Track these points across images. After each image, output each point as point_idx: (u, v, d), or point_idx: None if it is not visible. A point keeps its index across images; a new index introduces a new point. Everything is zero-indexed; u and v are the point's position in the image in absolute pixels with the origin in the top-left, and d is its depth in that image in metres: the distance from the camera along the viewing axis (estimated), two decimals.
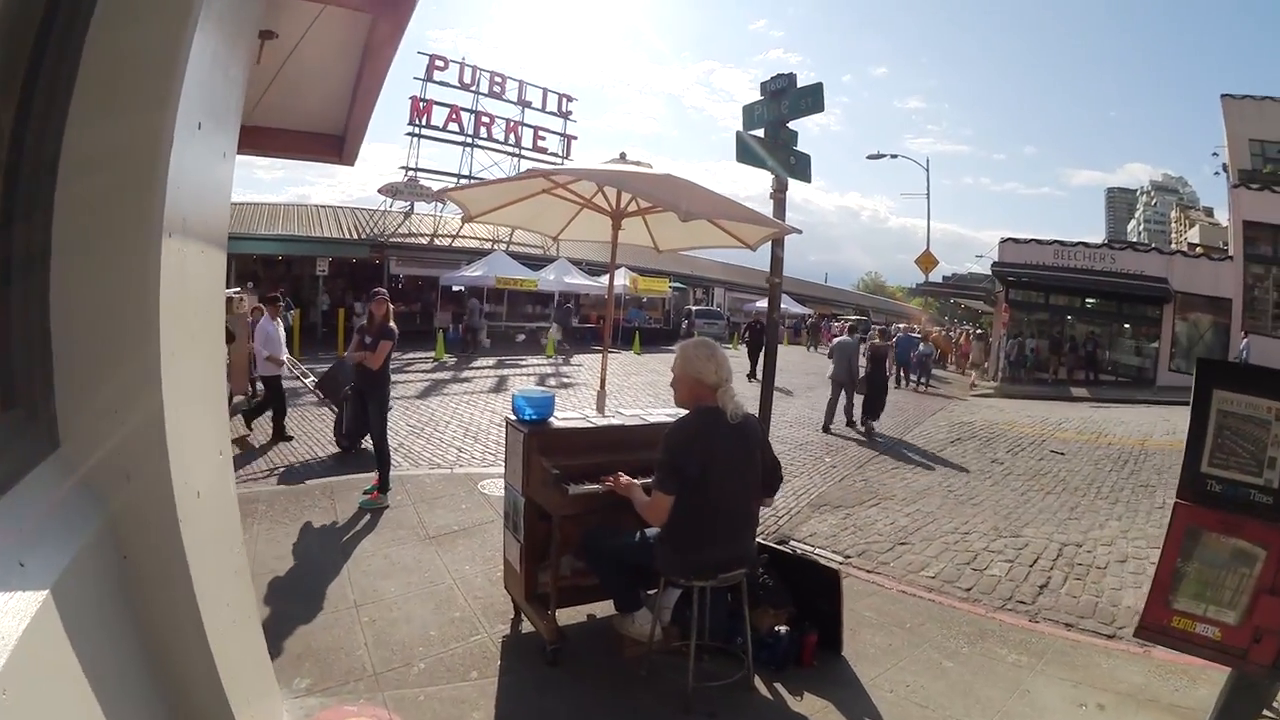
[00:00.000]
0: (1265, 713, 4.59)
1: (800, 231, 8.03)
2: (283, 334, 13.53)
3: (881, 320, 71.01)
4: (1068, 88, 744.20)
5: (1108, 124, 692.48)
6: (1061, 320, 39.87)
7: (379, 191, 42.24)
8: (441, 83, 43.16)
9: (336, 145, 6.90)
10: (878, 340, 20.52)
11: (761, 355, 19.00)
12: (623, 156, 6.89)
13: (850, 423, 18.39)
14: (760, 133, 9.44)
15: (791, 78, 9.45)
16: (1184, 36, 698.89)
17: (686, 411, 4.88)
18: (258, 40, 4.52)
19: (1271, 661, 4.05)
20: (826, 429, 17.52)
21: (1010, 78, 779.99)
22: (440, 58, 43.10)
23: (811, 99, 9.27)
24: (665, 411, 6.59)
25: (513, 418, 5.92)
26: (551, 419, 5.90)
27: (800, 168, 9.45)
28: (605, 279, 38.76)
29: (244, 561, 2.99)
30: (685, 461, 4.58)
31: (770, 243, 8.46)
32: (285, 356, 13.50)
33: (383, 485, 9.19)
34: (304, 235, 36.87)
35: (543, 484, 5.28)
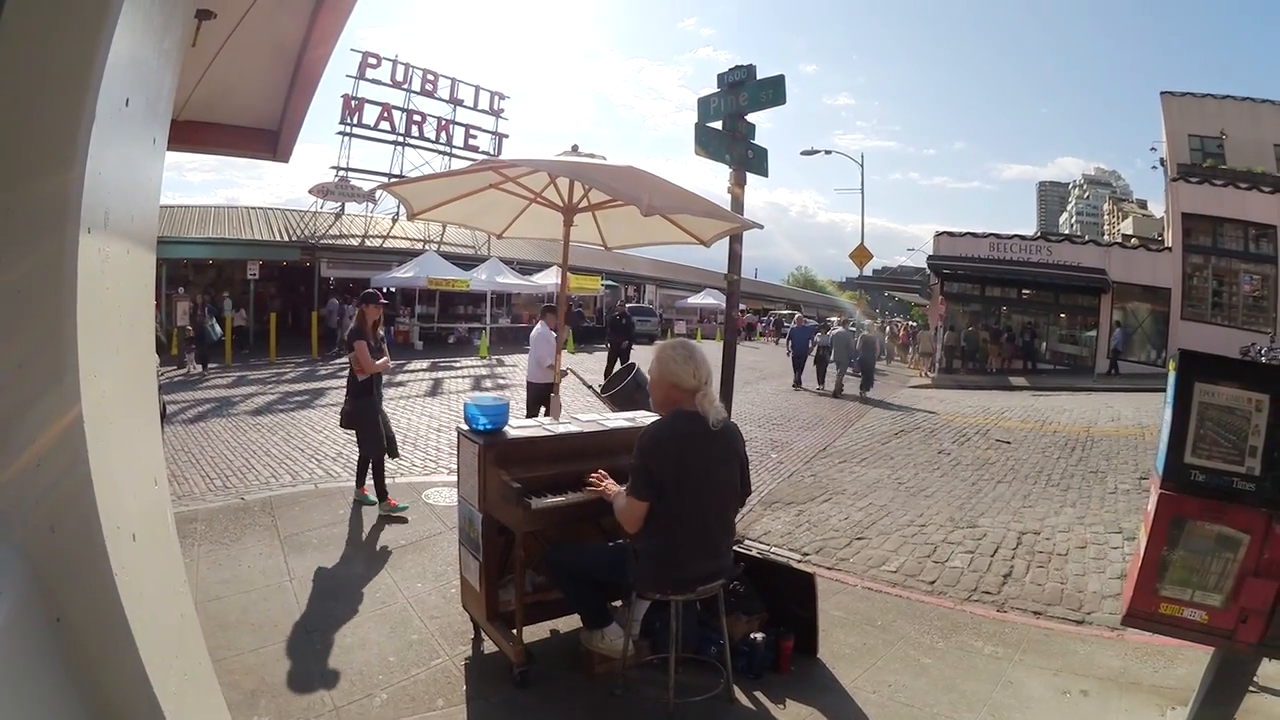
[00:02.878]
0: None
1: (762, 226, 7.87)
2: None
3: (813, 314, 72.39)
4: (998, 84, 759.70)
5: (1039, 119, 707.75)
6: (997, 311, 40.61)
7: (310, 192, 41.55)
8: (374, 80, 42.75)
9: (271, 141, 6.56)
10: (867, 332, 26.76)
11: (618, 354, 20.95)
12: (575, 149, 6.64)
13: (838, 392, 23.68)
14: (717, 125, 9.27)
15: (751, 69, 9.35)
16: (1115, 33, 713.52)
17: (654, 416, 4.70)
18: (195, 18, 4.16)
19: (1259, 639, 4.21)
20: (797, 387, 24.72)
21: (940, 75, 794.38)
22: (374, 55, 42.64)
23: (772, 91, 9.19)
24: (624, 416, 6.49)
25: (465, 428, 5.57)
26: (507, 428, 5.58)
27: (758, 162, 9.42)
28: (537, 278, 38.60)
29: (189, 602, 2.63)
30: (659, 467, 4.34)
31: (728, 239, 8.29)
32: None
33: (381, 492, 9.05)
34: (234, 238, 36.35)
35: (503, 499, 4.97)
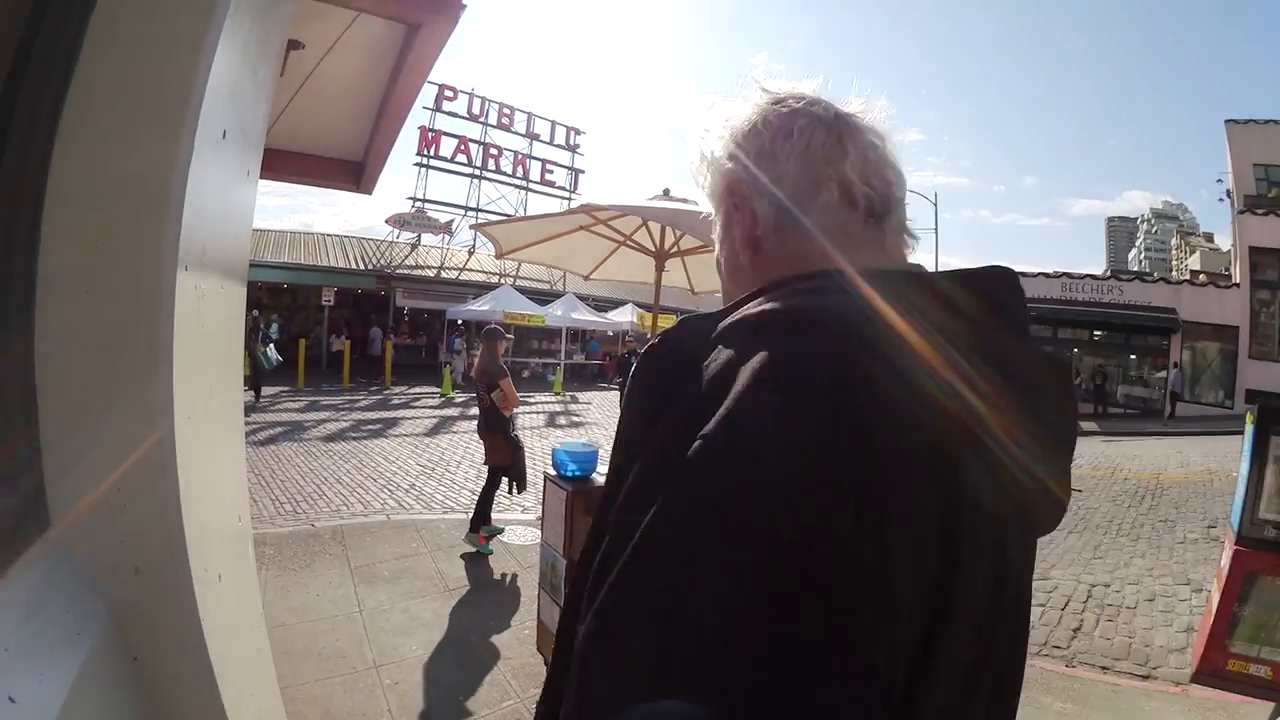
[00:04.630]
0: None
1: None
2: None
3: None
4: (1067, 117, 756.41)
5: (1107, 152, 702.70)
6: (1069, 353, 39.67)
7: (386, 222, 41.85)
8: (450, 113, 42.97)
9: (355, 172, 6.58)
10: None
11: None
12: (666, 193, 6.63)
13: None
14: None
15: None
16: (1182, 63, 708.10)
17: None
18: (285, 48, 4.15)
19: None
20: None
21: (1009, 109, 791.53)
22: (450, 87, 42.86)
23: None
24: None
25: (552, 473, 5.56)
26: (595, 475, 5.51)
27: None
28: (613, 315, 38.58)
29: (264, 635, 2.61)
30: None
31: None
32: None
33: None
34: (310, 264, 36.56)
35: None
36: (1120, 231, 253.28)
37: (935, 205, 41.29)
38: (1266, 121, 37.98)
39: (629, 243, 6.96)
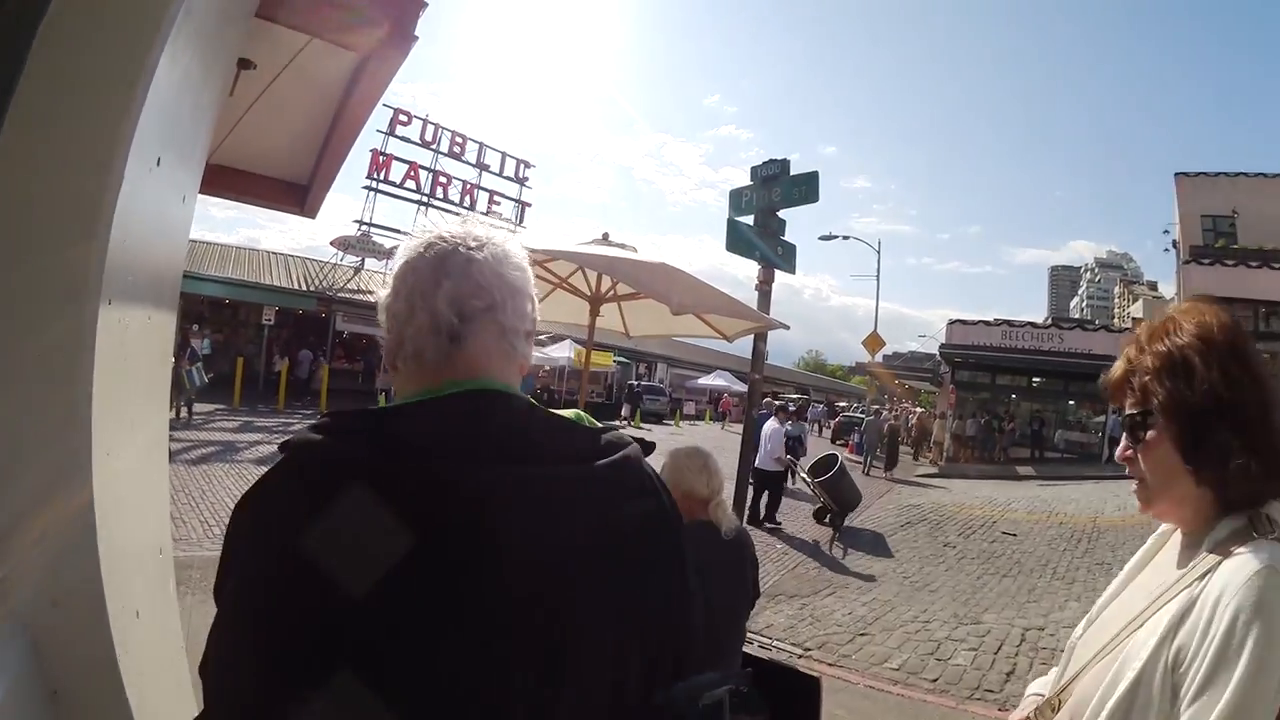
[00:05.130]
0: None
1: (788, 327, 7.93)
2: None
3: (821, 399, 75.50)
4: (1015, 169, 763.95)
5: (1053, 203, 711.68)
6: (1007, 399, 40.89)
7: (331, 244, 41.60)
8: (403, 138, 42.94)
9: (300, 195, 6.51)
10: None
11: None
12: (605, 237, 6.67)
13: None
14: (749, 219, 9.33)
15: (784, 164, 9.38)
16: (1131, 117, 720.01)
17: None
18: (235, 68, 4.11)
19: None
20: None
21: (956, 158, 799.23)
22: (404, 112, 42.93)
23: (805, 188, 9.20)
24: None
25: None
26: None
27: (787, 258, 9.37)
28: (550, 349, 38.36)
29: (185, 667, 2.56)
30: None
31: (753, 335, 8.27)
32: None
33: None
34: (253, 281, 36.08)
35: None
36: (1063, 280, 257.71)
37: (878, 252, 42.26)
38: (1216, 174, 39.41)
39: (564, 285, 6.96)
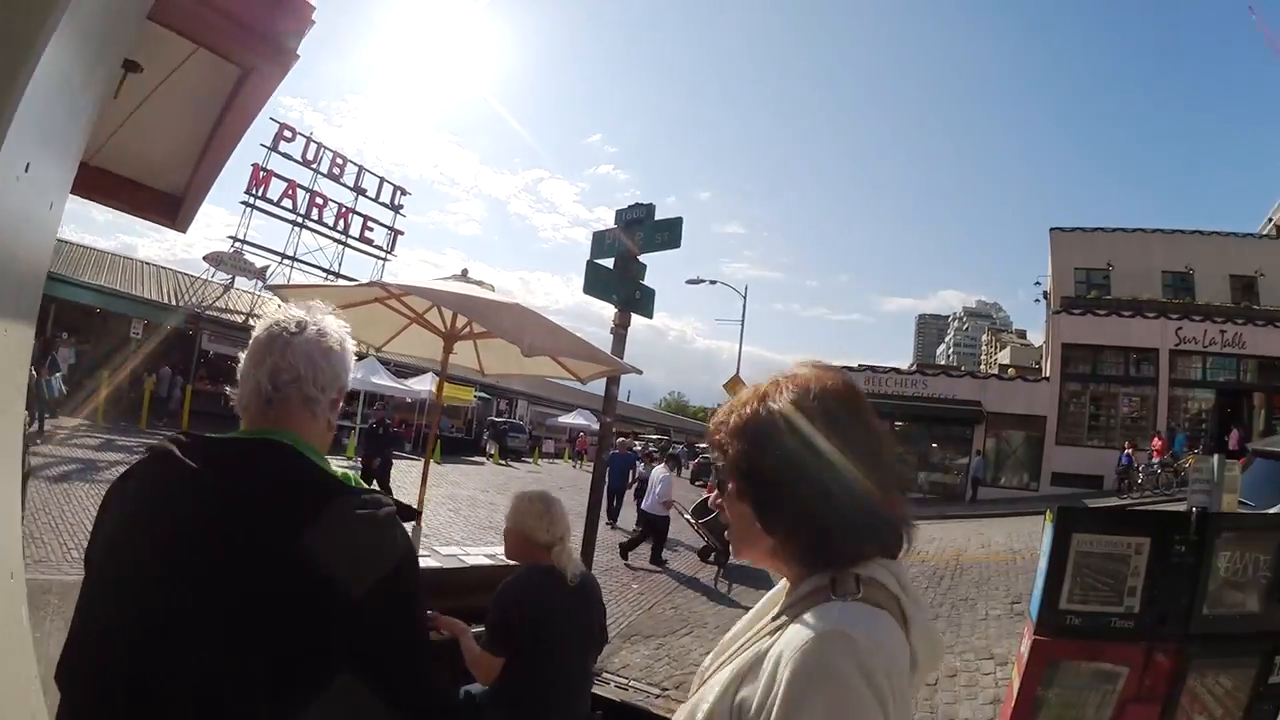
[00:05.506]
0: None
1: (640, 371, 7.99)
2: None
3: (682, 439, 77.02)
4: (887, 220, 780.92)
5: (924, 254, 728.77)
6: None
7: (204, 259, 40.41)
8: (285, 154, 42.07)
9: (173, 207, 6.37)
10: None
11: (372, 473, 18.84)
12: (465, 274, 6.66)
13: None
14: (609, 262, 9.30)
15: (649, 209, 9.38)
16: (1005, 172, 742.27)
17: (518, 565, 4.37)
18: (120, 70, 4.02)
19: None
20: None
21: (831, 209, 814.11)
22: (289, 128, 42.16)
23: (668, 234, 9.24)
24: (484, 551, 6.34)
25: None
26: None
27: (645, 303, 9.35)
28: (412, 382, 37.76)
29: (40, 696, 2.46)
30: (519, 626, 4.06)
31: (605, 378, 8.30)
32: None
33: None
34: (125, 291, 35.02)
35: None
36: (930, 328, 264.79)
37: (744, 297, 42.60)
38: (1093, 229, 42.67)
39: (420, 321, 6.93)
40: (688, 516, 17.99)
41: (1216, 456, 4.70)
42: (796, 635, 1.40)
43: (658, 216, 9.36)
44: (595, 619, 4.44)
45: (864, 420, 1.63)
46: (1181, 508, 4.30)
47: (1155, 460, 30.58)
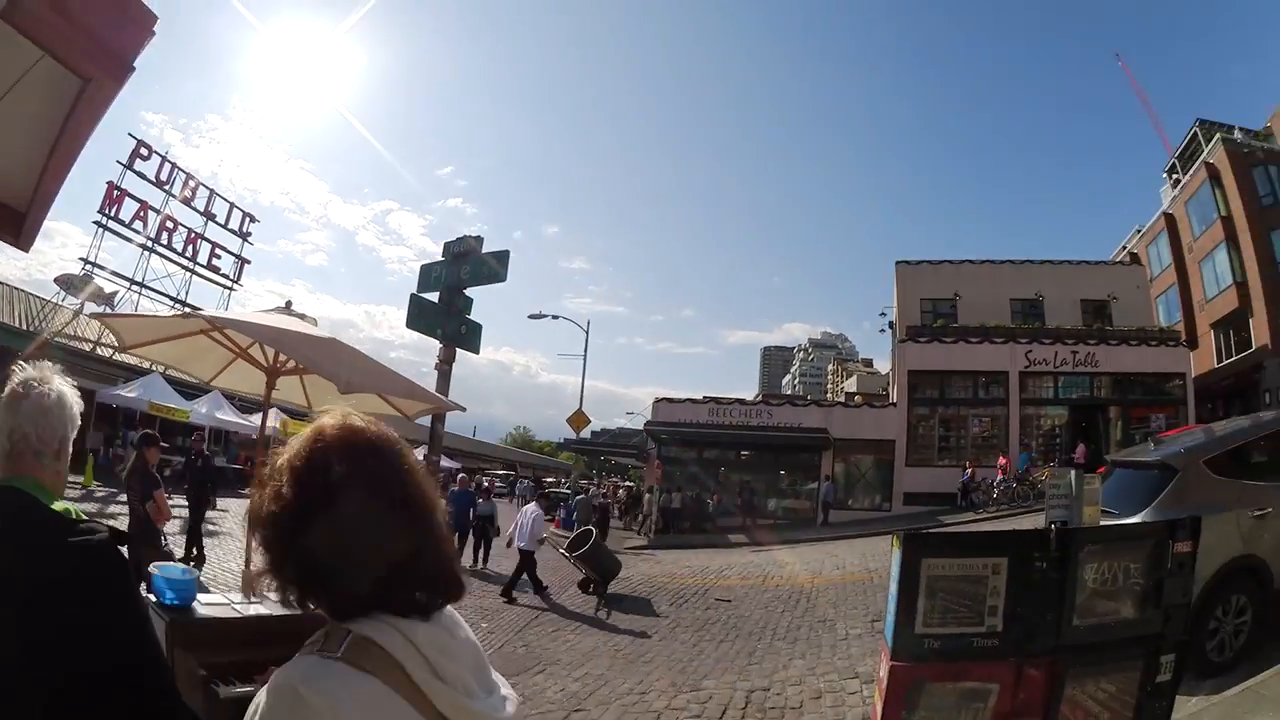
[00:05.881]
0: None
1: (464, 409, 8.08)
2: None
3: (529, 474, 79.33)
4: (732, 257, 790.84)
5: (769, 290, 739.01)
6: (716, 472, 42.39)
7: (55, 281, 38.71)
8: (140, 173, 40.78)
9: (16, 222, 6.04)
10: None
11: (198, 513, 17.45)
12: (288, 305, 6.58)
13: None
14: (435, 296, 9.20)
15: (478, 240, 9.34)
16: (848, 208, 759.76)
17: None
18: None
19: None
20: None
21: (675, 245, 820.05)
22: (146, 145, 41.13)
23: (493, 267, 9.14)
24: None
25: (151, 599, 4.85)
26: (195, 604, 5.04)
27: (470, 338, 9.29)
28: (257, 418, 36.15)
29: None
30: None
31: (432, 416, 8.19)
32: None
33: None
34: None
35: (189, 686, 4.31)
36: (776, 360, 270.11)
37: (586, 332, 43.21)
38: (939, 262, 45.46)
39: (244, 356, 6.80)
40: (563, 551, 18.52)
41: (1073, 471, 4.82)
42: (270, 683, 1.43)
43: (498, 249, 9.29)
44: None
45: (394, 472, 1.63)
46: (1037, 522, 4.41)
47: (1000, 478, 31.98)
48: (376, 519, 1.53)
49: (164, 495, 8.34)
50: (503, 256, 9.20)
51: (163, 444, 9.20)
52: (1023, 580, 4.38)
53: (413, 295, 9.11)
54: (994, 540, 5.02)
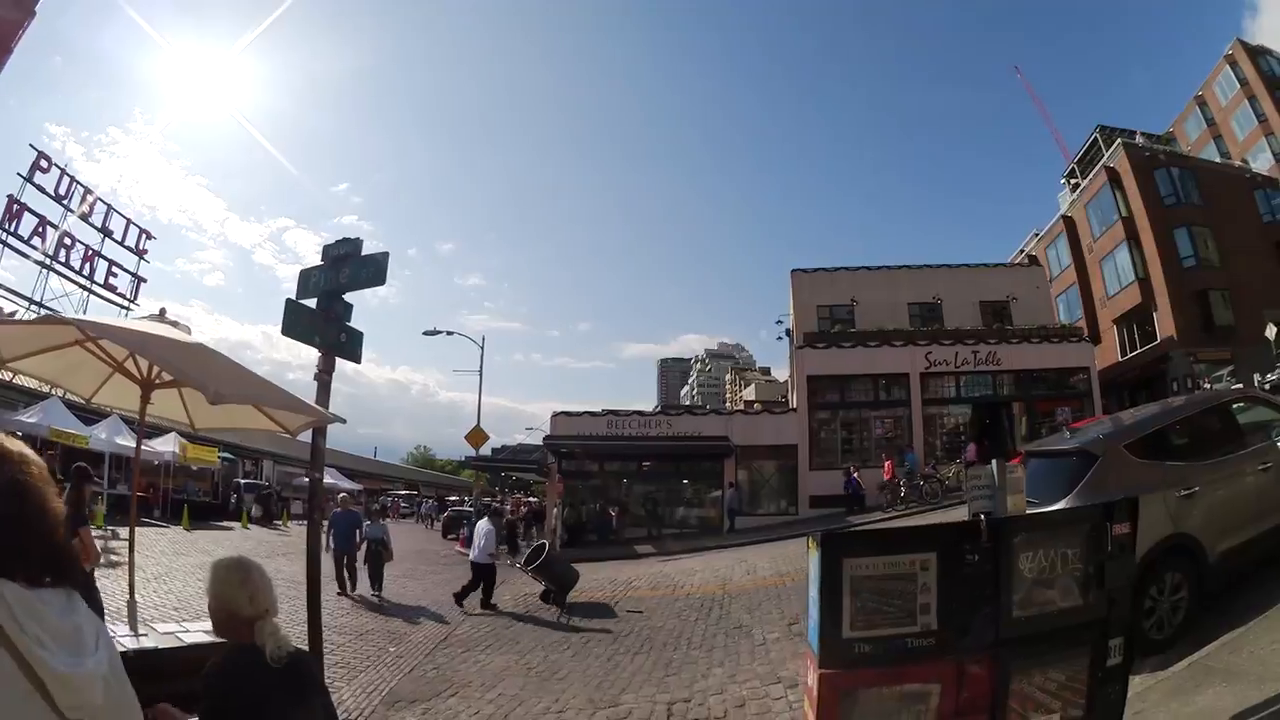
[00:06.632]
0: None
1: (344, 420, 7.63)
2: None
3: (432, 493, 79.96)
4: (627, 271, 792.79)
5: (664, 302, 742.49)
6: (618, 484, 42.67)
7: None
8: (39, 186, 39.44)
9: None
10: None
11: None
12: (162, 314, 6.22)
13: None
14: (313, 303, 8.70)
15: (356, 244, 8.87)
16: (747, 219, 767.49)
17: (224, 639, 3.63)
18: None
19: None
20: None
21: (569, 260, 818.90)
22: (46, 157, 39.77)
23: (373, 270, 8.73)
24: (204, 627, 5.59)
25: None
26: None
27: (351, 346, 8.82)
28: (155, 443, 34.99)
29: None
30: (222, 716, 3.40)
31: (313, 430, 7.79)
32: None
33: None
34: None
35: None
36: (673, 371, 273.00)
37: (481, 347, 42.95)
38: (835, 269, 46.86)
39: (120, 369, 6.39)
40: (519, 565, 19.23)
41: (995, 461, 4.73)
42: None
43: (394, 267, 8.90)
44: (310, 704, 3.61)
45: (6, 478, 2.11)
46: (947, 518, 4.28)
47: (887, 480, 33.02)
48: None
49: (89, 533, 7.75)
50: (381, 259, 8.71)
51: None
52: (954, 575, 4.31)
53: (288, 301, 8.53)
54: (919, 535, 4.78)
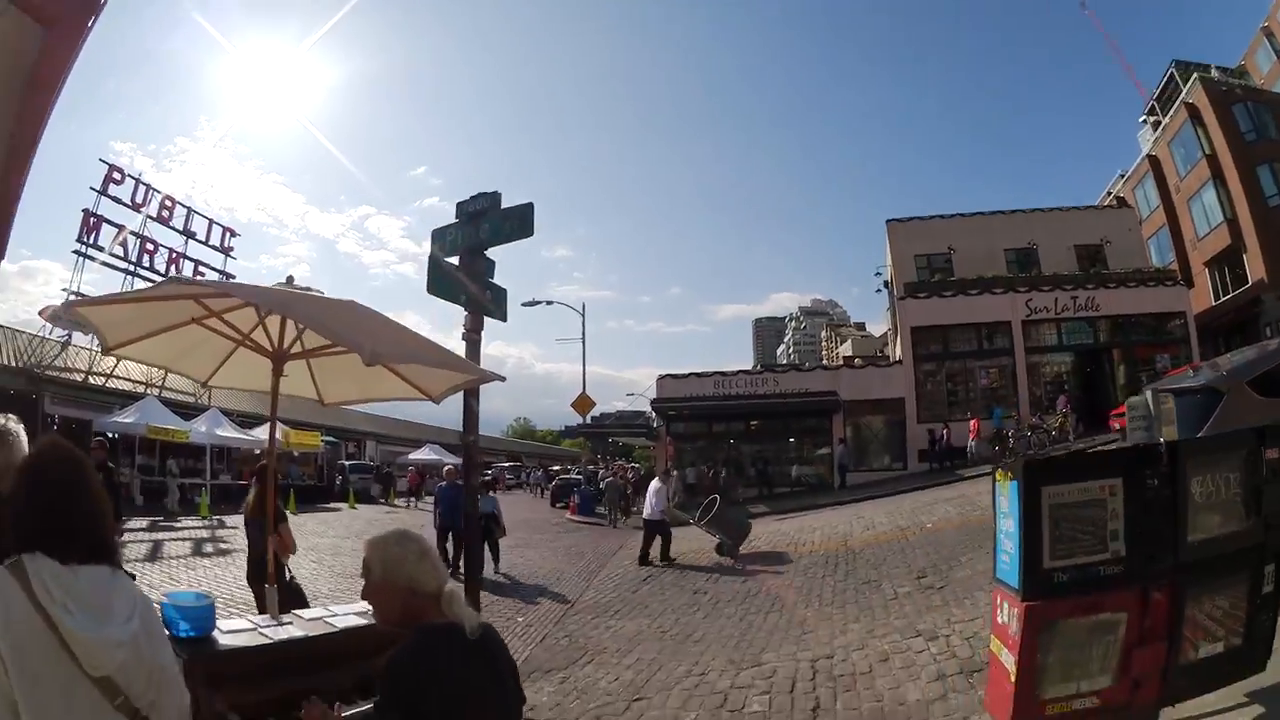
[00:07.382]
0: None
1: (504, 379, 6.88)
2: None
3: (534, 463, 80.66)
4: (713, 233, 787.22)
5: (753, 262, 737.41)
6: (726, 445, 42.68)
7: (40, 314, 37.76)
8: (115, 198, 39.40)
9: None
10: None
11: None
12: (290, 281, 5.84)
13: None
14: (455, 260, 8.48)
15: (495, 197, 8.57)
16: (829, 173, 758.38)
17: (400, 625, 3.06)
18: None
19: (1156, 696, 4.36)
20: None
21: (657, 226, 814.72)
22: (119, 169, 39.58)
23: (518, 222, 8.45)
24: (354, 610, 5.28)
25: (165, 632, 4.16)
26: (215, 633, 4.44)
27: (496, 304, 8.57)
28: (256, 431, 35.06)
29: None
30: (422, 706, 2.79)
31: (462, 394, 7.43)
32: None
33: None
34: None
35: None
36: (768, 331, 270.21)
37: (583, 315, 43.29)
38: (930, 217, 45.88)
39: (246, 342, 6.00)
40: (692, 520, 20.38)
41: (1149, 390, 4.58)
42: None
43: (523, 210, 8.51)
44: (508, 675, 3.23)
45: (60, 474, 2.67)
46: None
47: (973, 440, 32.95)
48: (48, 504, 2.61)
49: (289, 528, 7.66)
50: (526, 210, 8.45)
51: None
52: (1138, 501, 4.24)
53: (432, 256, 8.44)
54: (1107, 460, 4.65)
